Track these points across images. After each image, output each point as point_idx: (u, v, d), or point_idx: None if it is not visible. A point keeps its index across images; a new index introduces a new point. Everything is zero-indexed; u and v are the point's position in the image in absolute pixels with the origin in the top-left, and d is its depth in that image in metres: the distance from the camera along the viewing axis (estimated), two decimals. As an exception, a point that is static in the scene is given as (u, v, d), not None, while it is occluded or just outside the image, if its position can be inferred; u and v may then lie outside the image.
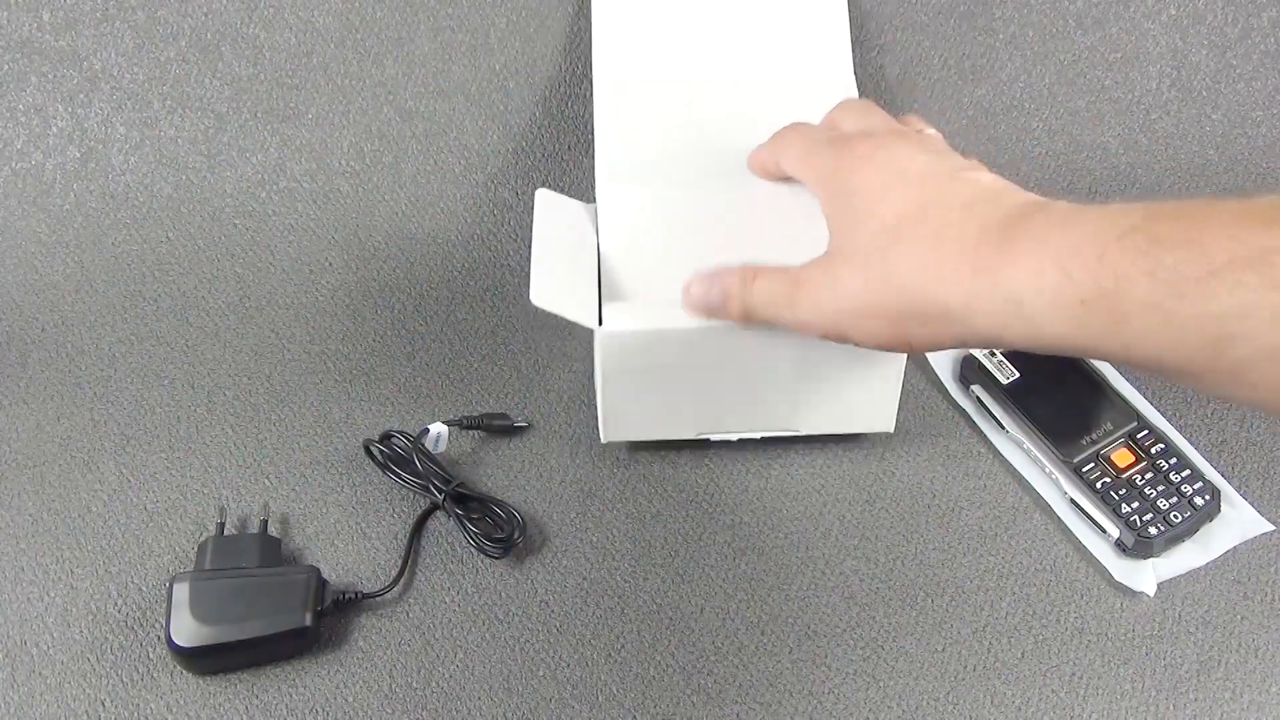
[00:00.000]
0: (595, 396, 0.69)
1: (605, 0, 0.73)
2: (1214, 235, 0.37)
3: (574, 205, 0.66)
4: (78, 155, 0.79)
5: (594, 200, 0.66)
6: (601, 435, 0.66)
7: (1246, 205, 0.37)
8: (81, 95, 0.79)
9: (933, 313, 0.45)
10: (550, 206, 0.65)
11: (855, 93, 0.70)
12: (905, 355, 0.64)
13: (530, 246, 0.62)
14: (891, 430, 0.67)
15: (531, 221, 0.64)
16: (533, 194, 0.82)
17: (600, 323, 0.60)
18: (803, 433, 0.67)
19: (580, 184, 0.81)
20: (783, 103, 0.67)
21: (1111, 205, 0.41)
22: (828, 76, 0.71)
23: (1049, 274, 0.40)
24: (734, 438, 0.67)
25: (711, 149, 0.65)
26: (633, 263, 0.62)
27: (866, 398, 0.65)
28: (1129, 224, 0.39)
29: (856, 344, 0.50)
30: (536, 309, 0.58)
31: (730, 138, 0.64)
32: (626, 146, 0.66)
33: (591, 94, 0.73)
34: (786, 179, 0.59)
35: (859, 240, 0.47)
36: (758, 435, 0.67)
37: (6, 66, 0.78)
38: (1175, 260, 0.37)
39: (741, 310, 0.54)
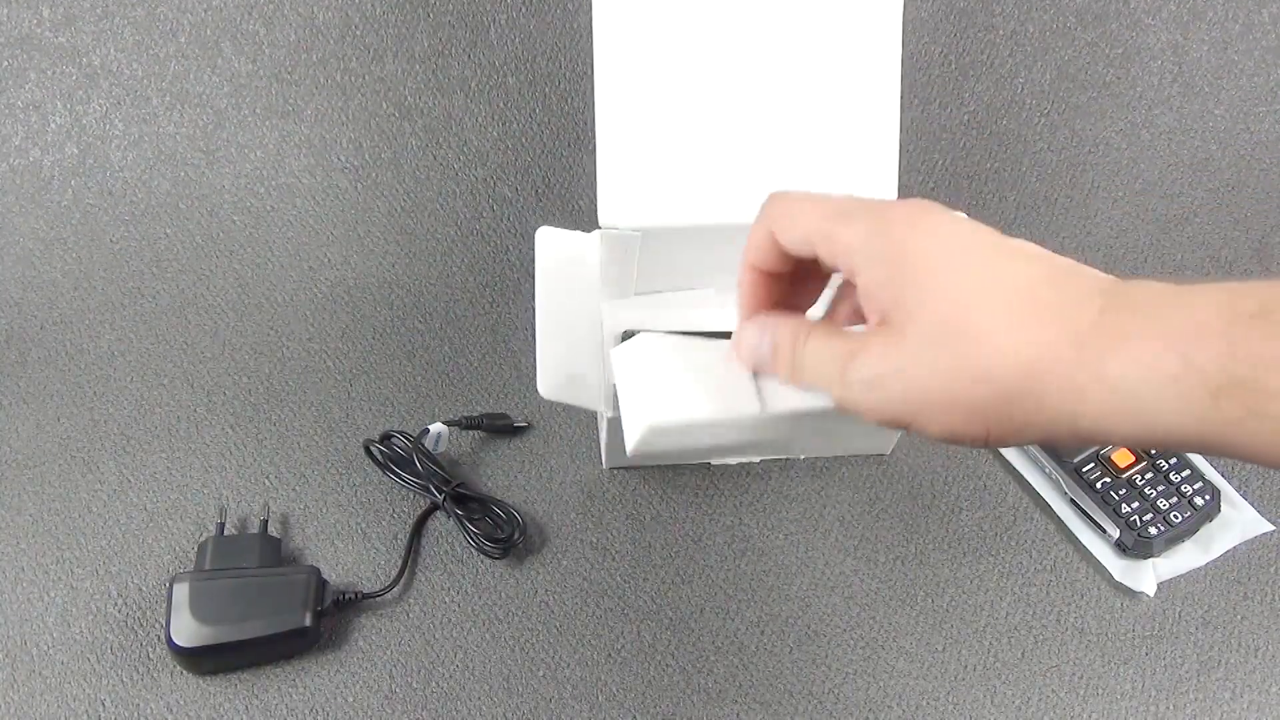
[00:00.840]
0: (598, 419, 0.69)
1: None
2: None
3: (577, 241, 0.64)
4: (76, 152, 0.79)
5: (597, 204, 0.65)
6: (604, 462, 0.67)
7: None
8: (80, 91, 0.78)
9: (1027, 405, 0.37)
10: (551, 250, 0.62)
11: (898, 87, 0.67)
12: None
13: (534, 246, 0.61)
14: (887, 453, 0.69)
15: (529, 219, 0.64)
16: (532, 189, 0.82)
17: (614, 411, 0.60)
18: (802, 457, 0.68)
19: (579, 181, 0.81)
20: (806, 97, 0.66)
21: (1218, 284, 0.36)
22: (858, 67, 0.69)
23: (1169, 360, 0.35)
24: (734, 462, 0.68)
25: (727, 152, 0.64)
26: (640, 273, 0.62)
27: (868, 429, 0.66)
28: (1254, 305, 0.35)
29: (920, 434, 0.41)
30: (534, 306, 0.58)
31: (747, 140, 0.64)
32: (630, 163, 0.65)
33: (590, 92, 0.73)
34: (783, 260, 0.47)
35: (926, 314, 0.39)
36: (758, 460, 0.68)
37: (5, 62, 0.77)
38: None
39: (789, 371, 0.46)
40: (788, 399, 0.49)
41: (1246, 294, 0.35)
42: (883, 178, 0.62)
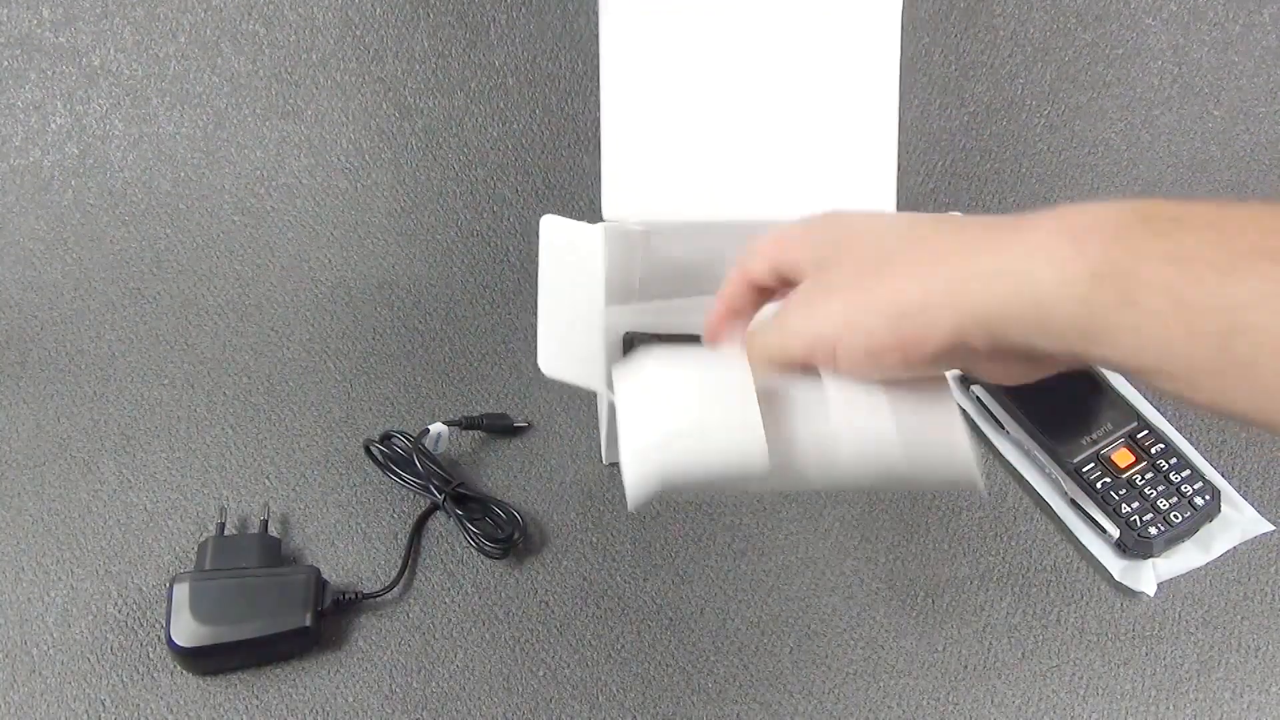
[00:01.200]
0: (597, 407, 0.69)
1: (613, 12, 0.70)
2: (1240, 225, 0.36)
3: (581, 230, 0.64)
4: (76, 152, 0.79)
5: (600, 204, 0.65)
6: (604, 457, 0.67)
7: (1275, 205, 0.37)
8: (80, 92, 0.78)
9: (931, 300, 0.40)
10: (556, 238, 0.62)
11: (896, 94, 0.67)
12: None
13: (536, 253, 0.61)
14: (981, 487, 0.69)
15: (530, 220, 0.64)
16: (532, 189, 0.82)
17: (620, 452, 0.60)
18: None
19: (579, 180, 0.81)
20: (807, 99, 0.66)
21: (1132, 199, 0.39)
22: (859, 71, 0.69)
23: (1061, 247, 0.37)
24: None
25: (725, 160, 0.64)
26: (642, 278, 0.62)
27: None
28: (1154, 209, 0.37)
29: (845, 357, 0.43)
30: (535, 308, 0.58)
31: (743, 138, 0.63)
32: (633, 159, 0.65)
33: (591, 92, 0.73)
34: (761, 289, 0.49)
35: (846, 268, 0.43)
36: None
37: (6, 63, 0.77)
38: (1197, 242, 0.36)
39: (758, 350, 0.47)
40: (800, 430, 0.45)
41: (1151, 203, 0.37)
42: (881, 177, 0.62)
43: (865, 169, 0.63)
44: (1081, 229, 0.38)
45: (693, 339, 0.50)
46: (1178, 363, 0.37)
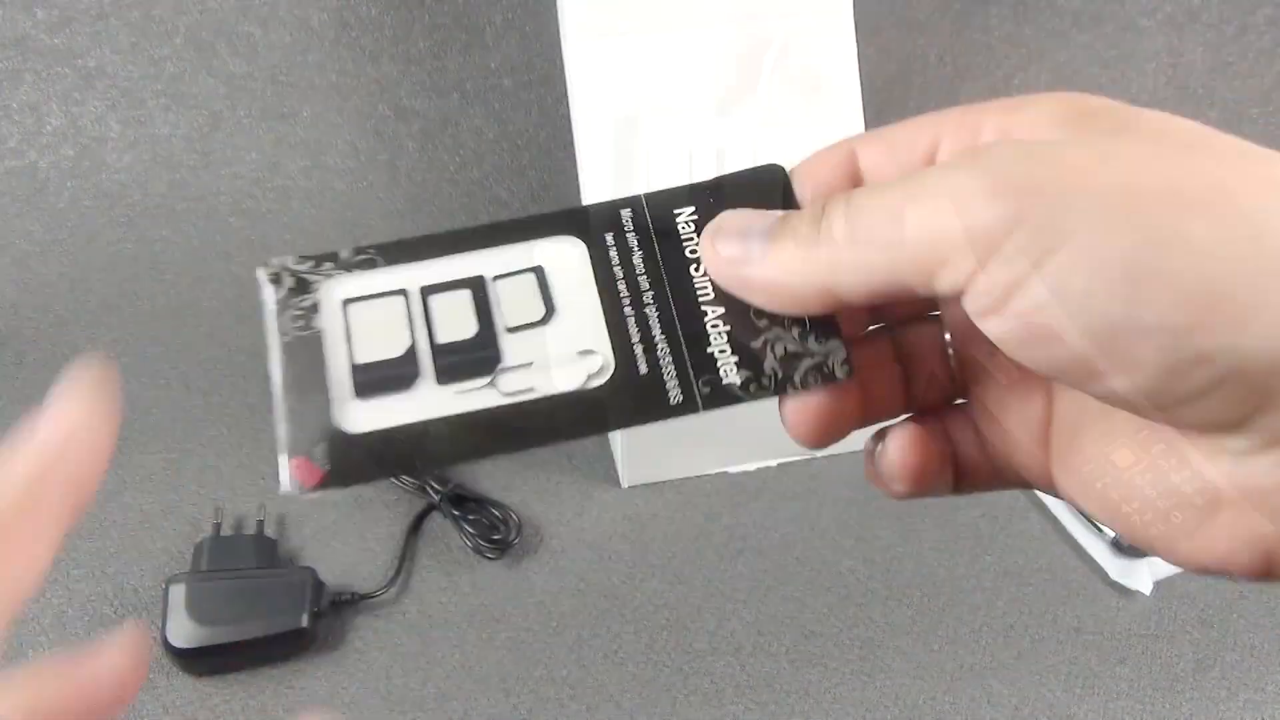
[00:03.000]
0: (609, 438, 0.69)
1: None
2: None
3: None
4: (72, 153, 0.79)
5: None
6: (622, 481, 0.67)
7: None
8: (76, 93, 0.78)
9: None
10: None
11: (859, 99, 0.67)
12: None
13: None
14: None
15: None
16: (528, 191, 0.82)
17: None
18: (819, 455, 0.68)
19: (575, 183, 0.80)
20: (782, 115, 0.66)
21: None
22: (830, 85, 0.69)
23: None
24: (752, 467, 0.68)
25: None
26: None
27: None
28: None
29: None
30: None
31: None
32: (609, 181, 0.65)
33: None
34: None
35: None
36: (774, 463, 0.68)
37: (1, 64, 0.77)
38: None
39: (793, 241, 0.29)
40: None
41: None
42: None
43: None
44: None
45: None
46: None
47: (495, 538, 0.63)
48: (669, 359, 0.28)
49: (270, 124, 0.80)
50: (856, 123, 0.65)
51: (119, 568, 0.63)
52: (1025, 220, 0.23)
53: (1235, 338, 0.22)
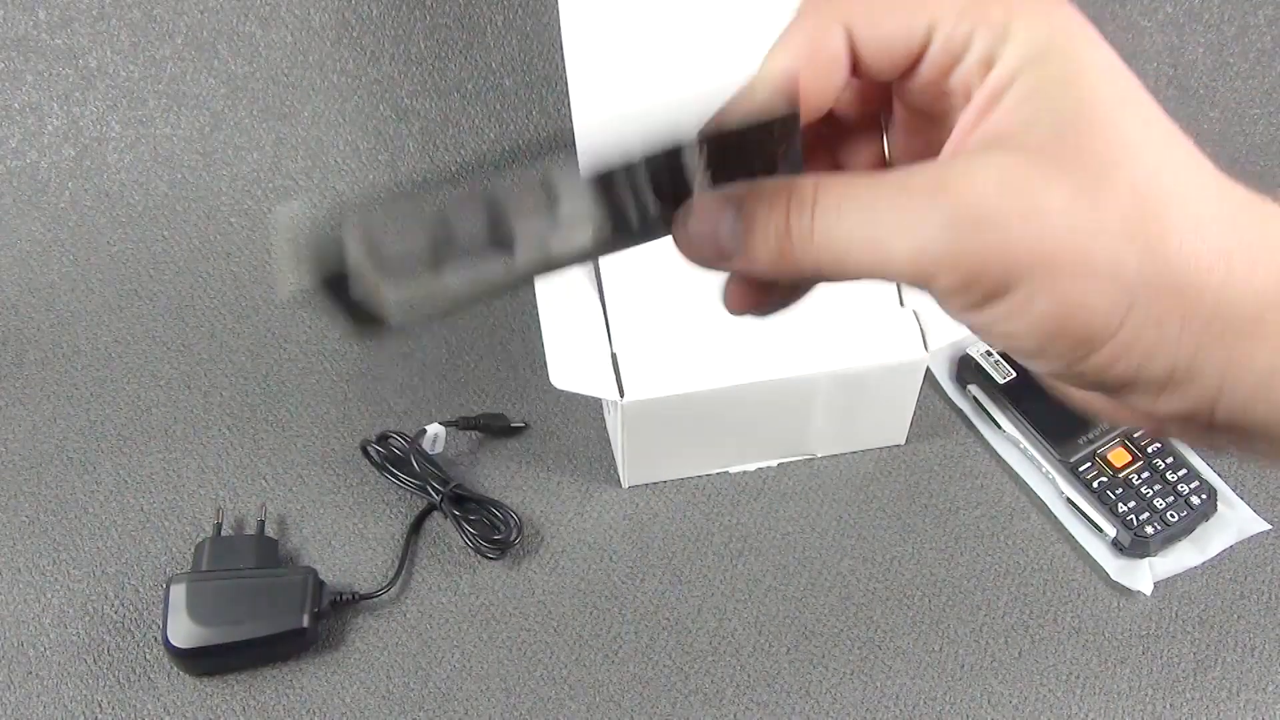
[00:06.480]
0: (610, 439, 0.69)
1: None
2: None
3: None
4: (73, 153, 0.79)
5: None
6: (623, 481, 0.67)
7: None
8: (77, 93, 0.78)
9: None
10: None
11: None
12: (924, 370, 0.64)
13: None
14: (903, 442, 0.68)
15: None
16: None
17: (621, 393, 0.60)
18: (819, 455, 0.68)
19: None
20: None
21: None
22: None
23: None
24: (752, 468, 0.68)
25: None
26: (640, 301, 0.62)
27: (882, 415, 0.67)
28: None
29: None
30: (535, 308, 0.58)
31: None
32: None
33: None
34: None
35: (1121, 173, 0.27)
36: (774, 463, 0.68)
37: (2, 64, 0.77)
38: None
39: (780, 243, 0.30)
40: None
41: None
42: None
43: None
44: None
45: None
46: None
47: (495, 538, 0.63)
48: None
49: (271, 124, 0.80)
50: None
51: (119, 568, 0.63)
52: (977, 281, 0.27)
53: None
